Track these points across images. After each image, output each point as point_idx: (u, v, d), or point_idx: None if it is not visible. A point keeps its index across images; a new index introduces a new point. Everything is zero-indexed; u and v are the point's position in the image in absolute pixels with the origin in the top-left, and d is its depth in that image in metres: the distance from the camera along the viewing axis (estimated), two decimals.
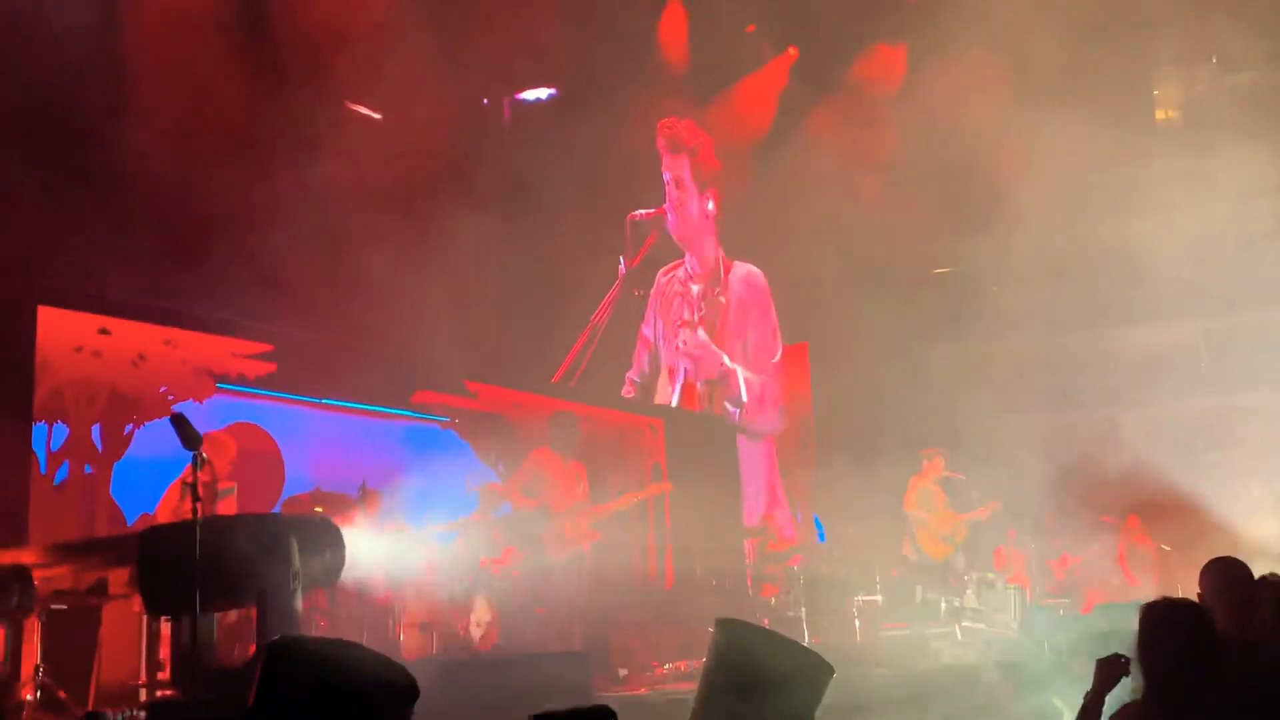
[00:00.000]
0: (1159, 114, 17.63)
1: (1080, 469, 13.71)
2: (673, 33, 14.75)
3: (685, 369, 14.91)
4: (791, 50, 15.72)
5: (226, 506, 8.00)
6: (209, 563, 4.57)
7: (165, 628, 5.78)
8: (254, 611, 5.01)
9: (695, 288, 15.25)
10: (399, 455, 11.44)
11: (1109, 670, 4.01)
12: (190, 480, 4.63)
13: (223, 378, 10.13)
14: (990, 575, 11.15)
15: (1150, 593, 10.47)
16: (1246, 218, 15.22)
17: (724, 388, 15.35)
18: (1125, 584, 12.24)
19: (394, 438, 11.66)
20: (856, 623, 11.01)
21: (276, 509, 9.73)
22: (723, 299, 15.52)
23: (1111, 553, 12.76)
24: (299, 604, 5.07)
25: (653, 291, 14.81)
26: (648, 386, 14.58)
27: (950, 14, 13.23)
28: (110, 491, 9.36)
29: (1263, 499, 12.12)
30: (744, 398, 15.53)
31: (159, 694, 5.72)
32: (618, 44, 12.91)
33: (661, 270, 14.99)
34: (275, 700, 2.59)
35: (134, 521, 9.22)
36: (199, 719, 4.52)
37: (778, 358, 16.26)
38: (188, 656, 4.62)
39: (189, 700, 4.73)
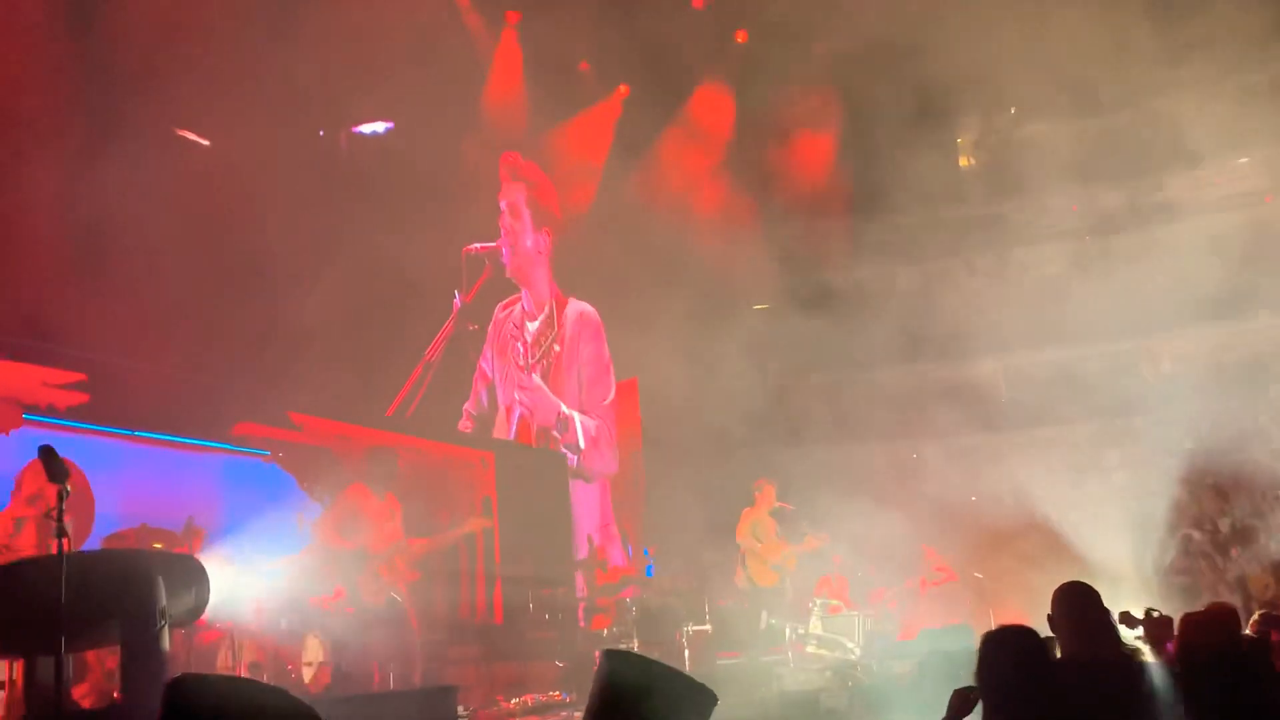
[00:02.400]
0: (962, 160, 18.63)
1: (900, 500, 14.25)
2: (507, 70, 14.82)
3: (522, 413, 14.89)
4: (623, 88, 16.00)
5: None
6: (72, 600, 4.29)
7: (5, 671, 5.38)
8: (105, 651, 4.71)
9: (531, 326, 15.25)
10: (220, 490, 11.03)
11: (964, 700, 4.17)
12: (56, 515, 4.35)
13: (32, 408, 9.56)
14: (833, 601, 11.43)
15: (966, 620, 11.02)
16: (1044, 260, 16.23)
17: (562, 433, 15.39)
18: (939, 611, 12.71)
19: (214, 471, 11.21)
20: (686, 653, 11.12)
21: (91, 545, 9.25)
22: (556, 346, 15.57)
23: (926, 578, 13.24)
24: (165, 643, 4.81)
25: (490, 326, 14.75)
26: (485, 421, 14.48)
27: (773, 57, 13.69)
28: None
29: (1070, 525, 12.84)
30: (581, 444, 15.59)
31: None
32: (454, 79, 12.89)
33: (499, 305, 14.94)
34: None
35: None
36: None
37: (610, 398, 16.37)
38: (48, 700, 4.30)
39: None
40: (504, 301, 15.02)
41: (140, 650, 4.67)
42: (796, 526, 12.13)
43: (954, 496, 14.38)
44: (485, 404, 14.51)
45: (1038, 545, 12.53)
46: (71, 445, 9.95)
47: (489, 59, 14.89)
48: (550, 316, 15.62)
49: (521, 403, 14.92)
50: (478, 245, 14.50)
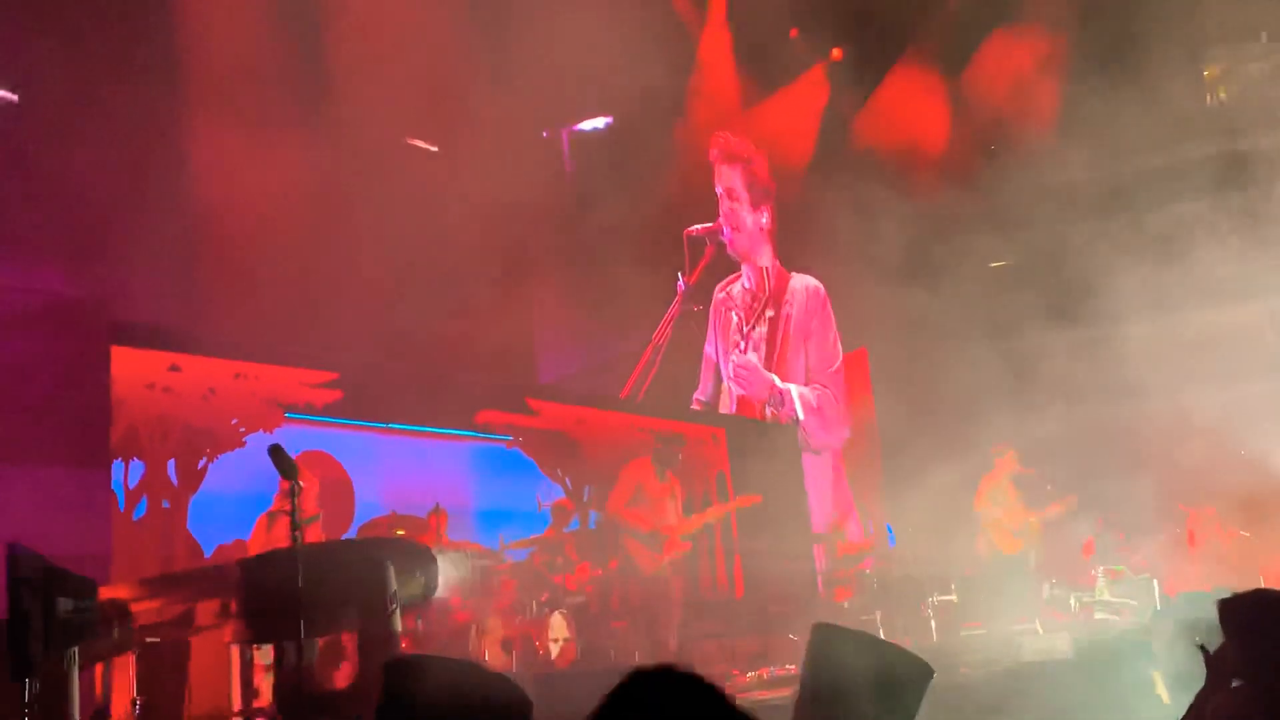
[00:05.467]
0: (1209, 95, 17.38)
1: (1151, 458, 13.53)
2: (716, 47, 14.82)
3: (740, 393, 14.96)
4: (835, 52, 15.73)
5: (313, 534, 8.08)
6: (310, 589, 4.63)
7: (257, 656, 5.85)
8: (345, 636, 5.06)
9: (749, 301, 15.26)
10: (466, 475, 11.56)
11: (1222, 665, 3.93)
12: (289, 509, 4.69)
13: (291, 407, 10.24)
14: (1118, 567, 11.02)
15: (1230, 581, 10.34)
16: None
17: (779, 408, 15.35)
18: (1199, 572, 12.02)
19: (460, 458, 11.75)
20: (933, 623, 10.92)
21: (351, 534, 9.87)
22: (769, 311, 15.50)
23: (1182, 541, 12.54)
24: (397, 626, 5.13)
25: (711, 307, 14.85)
26: (712, 405, 14.63)
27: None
28: (187, 525, 9.49)
29: None
30: (800, 415, 15.50)
31: None
32: (666, 63, 13.01)
33: (718, 286, 15.02)
34: (397, 714, 2.63)
35: (211, 554, 9.36)
36: None
37: (837, 366, 16.19)
38: (293, 682, 4.68)
39: None
40: (722, 282, 15.07)
41: (374, 633, 4.99)
42: (1044, 492, 11.69)
43: (1219, 452, 13.51)
44: (712, 389, 14.64)
45: None
46: (330, 440, 10.71)
47: (698, 38, 14.91)
48: (772, 292, 15.56)
49: (737, 380, 14.96)
50: (698, 227, 14.60)
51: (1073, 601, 10.58)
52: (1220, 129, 16.15)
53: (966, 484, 12.14)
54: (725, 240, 14.96)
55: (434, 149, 11.78)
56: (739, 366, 15.01)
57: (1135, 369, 15.32)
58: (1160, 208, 16.14)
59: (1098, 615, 10.42)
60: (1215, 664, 3.94)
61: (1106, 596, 10.67)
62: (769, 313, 15.48)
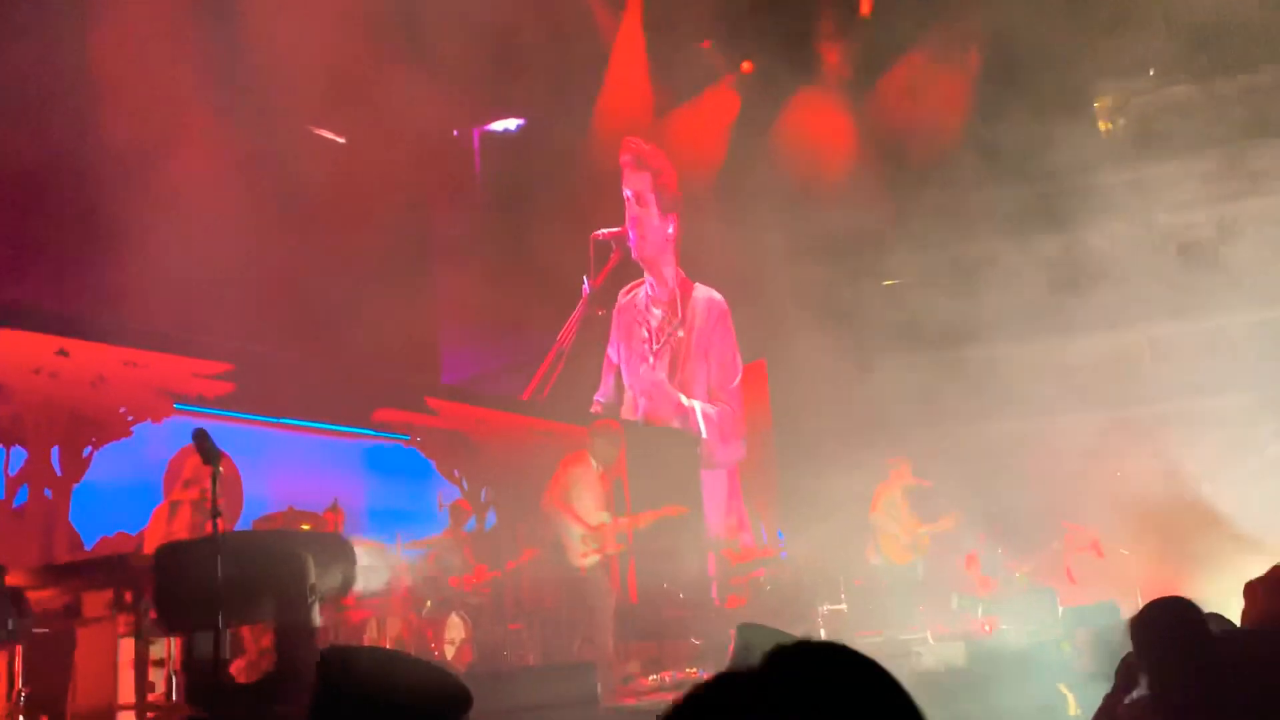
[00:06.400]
0: (1101, 125, 18.03)
1: (1035, 476, 13.93)
2: (629, 54, 14.86)
3: (645, 405, 14.99)
4: (746, 65, 15.90)
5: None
6: (229, 578, 4.48)
7: (151, 649, 5.65)
8: (261, 627, 4.92)
9: (656, 312, 15.31)
10: (363, 474, 11.36)
11: (1130, 672, 4.07)
12: (197, 497, 4.55)
13: (181, 398, 9.94)
14: (1022, 578, 11.22)
15: (1112, 596, 10.69)
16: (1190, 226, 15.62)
17: (683, 424, 15.45)
18: (1081, 588, 12.38)
19: (357, 456, 11.54)
20: (822, 632, 11.05)
21: (237, 529, 9.60)
22: (680, 332, 15.59)
23: (1063, 557, 12.91)
24: (316, 618, 5.00)
25: (615, 311, 14.86)
26: (613, 409, 14.62)
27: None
28: (69, 516, 9.15)
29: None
30: (703, 433, 15.62)
31: (148, 714, 5.59)
32: (579, 67, 13.02)
33: (622, 290, 15.04)
34: (333, 709, 2.56)
35: (94, 546, 9.03)
36: None
37: (737, 382, 16.34)
38: (207, 674, 4.51)
39: (211, 718, 4.62)
40: (626, 287, 15.10)
41: (292, 625, 4.85)
42: (934, 504, 11.94)
43: (1099, 472, 13.98)
44: (613, 392, 14.64)
45: (1187, 521, 12.10)
46: (220, 433, 10.39)
47: (611, 44, 14.95)
48: (676, 303, 15.64)
49: (644, 394, 15.01)
50: (605, 231, 14.61)
51: (980, 611, 10.75)
52: (1111, 158, 16.75)
53: (858, 495, 12.34)
54: (630, 246, 14.99)
55: (341, 140, 11.58)
56: (649, 384, 15.06)
57: (1022, 389, 15.79)
58: (1051, 233, 16.68)
59: (1002, 626, 10.60)
60: (1125, 671, 4.08)
61: (1013, 608, 10.85)
62: (680, 333, 15.57)
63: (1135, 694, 4.06)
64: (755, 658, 4.01)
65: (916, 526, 11.89)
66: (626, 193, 15.08)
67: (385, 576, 8.81)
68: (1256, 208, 16.44)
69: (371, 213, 10.75)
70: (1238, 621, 4.61)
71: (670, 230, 15.58)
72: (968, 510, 12.04)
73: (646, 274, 15.32)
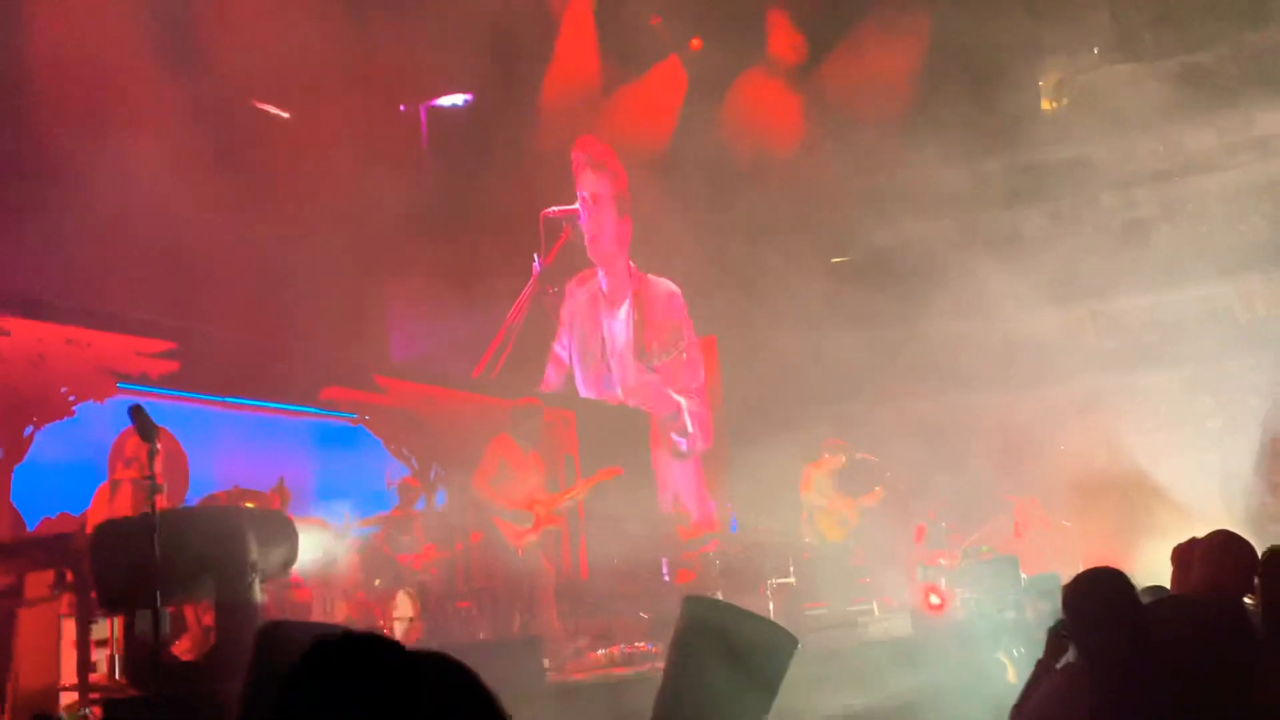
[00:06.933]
0: (1044, 103, 18.21)
1: (979, 451, 14.11)
2: (577, 31, 14.79)
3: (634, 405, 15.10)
4: (695, 42, 15.87)
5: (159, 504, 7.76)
6: (169, 556, 4.44)
7: (93, 629, 5.59)
8: (202, 605, 4.87)
9: (619, 314, 15.34)
10: (310, 452, 11.29)
11: (1058, 640, 4.16)
12: (137, 475, 4.50)
13: (125, 377, 9.82)
14: (985, 548, 11.33)
15: (1055, 568, 10.88)
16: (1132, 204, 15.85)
17: (672, 424, 15.53)
18: (1025, 560, 12.56)
19: (304, 434, 11.47)
20: (771, 605, 11.13)
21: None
22: (685, 356, 15.73)
23: (1007, 530, 13.10)
24: (258, 596, 4.97)
25: (564, 304, 14.82)
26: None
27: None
28: (10, 497, 9.02)
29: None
30: (689, 428, 15.72)
31: (90, 694, 5.54)
32: (527, 44, 12.93)
33: (573, 279, 15.00)
34: (268, 684, 2.55)
35: (36, 526, 8.91)
36: (162, 715, 4.39)
37: (701, 381, 16.46)
38: (147, 653, 4.47)
39: (153, 697, 4.58)
40: (577, 276, 15.06)
41: (232, 603, 4.82)
42: (862, 480, 12.05)
43: (1042, 445, 14.19)
44: (558, 388, 14.61)
45: (1129, 494, 12.32)
46: (165, 413, 10.27)
47: (560, 19, 14.87)
48: (634, 301, 15.64)
49: (635, 393, 15.05)
50: (555, 209, 14.56)
51: (944, 582, 10.84)
52: (1053, 137, 16.93)
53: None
54: (585, 244, 14.98)
55: (285, 115, 11.44)
56: (640, 383, 15.10)
57: (965, 364, 15.99)
58: (995, 210, 16.86)
59: (967, 595, 10.66)
60: (1054, 640, 4.17)
61: (976, 576, 10.92)
62: (645, 329, 15.60)
63: (1064, 661, 4.16)
64: (705, 629, 4.04)
65: (846, 504, 11.96)
66: (583, 193, 15.05)
67: (334, 554, 8.78)
68: (1198, 185, 16.70)
69: (317, 189, 10.63)
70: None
71: (626, 232, 15.62)
72: (911, 485, 12.18)
73: (600, 272, 15.31)
